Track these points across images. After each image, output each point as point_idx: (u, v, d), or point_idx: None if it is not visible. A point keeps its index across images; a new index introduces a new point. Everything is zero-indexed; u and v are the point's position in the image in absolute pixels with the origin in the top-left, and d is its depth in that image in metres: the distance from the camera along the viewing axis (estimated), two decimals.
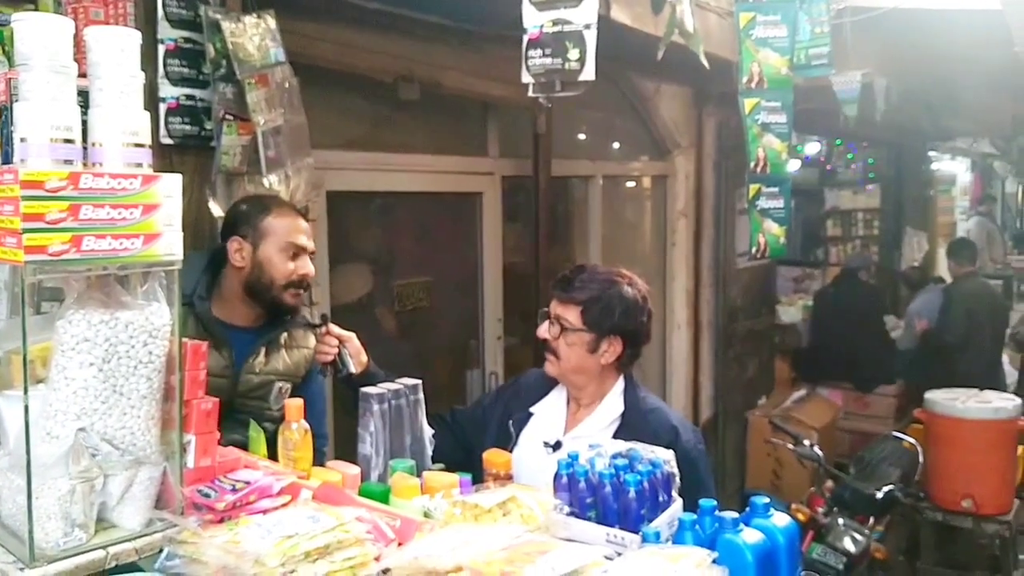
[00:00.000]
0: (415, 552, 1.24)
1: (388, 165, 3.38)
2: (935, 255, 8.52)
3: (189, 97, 2.26)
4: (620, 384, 2.11)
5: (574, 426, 2.09)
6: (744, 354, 5.56)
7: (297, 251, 2.05)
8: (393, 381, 1.92)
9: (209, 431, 1.46)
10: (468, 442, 2.13)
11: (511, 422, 2.12)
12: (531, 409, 2.14)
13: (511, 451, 2.04)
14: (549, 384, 2.17)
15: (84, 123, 1.30)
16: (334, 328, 2.11)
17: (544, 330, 2.08)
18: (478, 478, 1.70)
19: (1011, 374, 6.34)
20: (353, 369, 2.08)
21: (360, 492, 1.56)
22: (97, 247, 1.23)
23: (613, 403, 2.08)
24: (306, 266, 2.07)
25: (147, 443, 1.33)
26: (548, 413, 2.13)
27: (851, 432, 5.91)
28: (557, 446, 2.03)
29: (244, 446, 1.77)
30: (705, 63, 2.94)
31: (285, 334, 2.14)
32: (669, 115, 4.87)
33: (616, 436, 1.97)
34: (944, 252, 6.67)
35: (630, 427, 2.00)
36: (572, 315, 2.03)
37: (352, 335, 2.12)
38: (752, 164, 3.28)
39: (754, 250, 3.42)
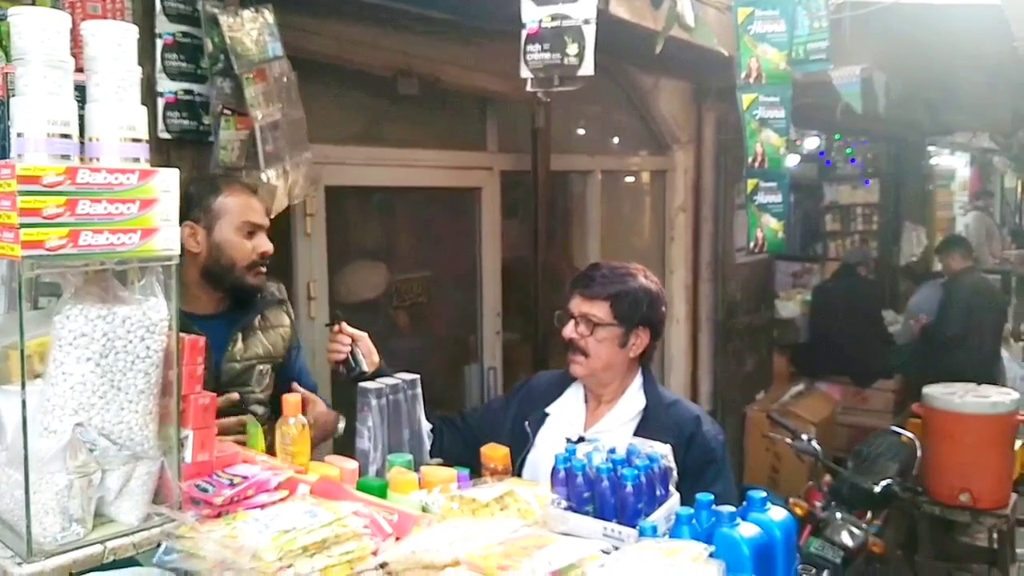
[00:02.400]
0: (412, 546, 1.24)
1: (387, 160, 3.37)
2: (934, 250, 8.52)
3: (187, 92, 2.26)
4: (639, 379, 2.11)
5: (595, 422, 2.08)
6: (742, 349, 5.56)
7: (253, 229, 2.03)
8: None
9: (207, 426, 1.46)
10: (479, 444, 2.12)
11: (527, 423, 2.11)
12: (547, 409, 2.13)
13: (528, 453, 2.04)
14: (562, 385, 2.16)
15: (81, 118, 1.30)
16: (346, 327, 2.09)
17: (571, 330, 2.06)
18: (469, 470, 1.70)
19: (1011, 368, 6.34)
20: (365, 368, 2.06)
21: (358, 487, 1.56)
22: (94, 242, 1.23)
23: (634, 398, 2.08)
24: (264, 243, 2.05)
25: (145, 438, 1.33)
26: (566, 412, 2.12)
27: (849, 426, 5.91)
28: (579, 442, 2.02)
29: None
30: (723, 50, 2.94)
31: (258, 316, 2.13)
32: (668, 110, 4.86)
33: (638, 430, 1.98)
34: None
35: (652, 421, 2.01)
36: (600, 311, 2.03)
37: (364, 334, 2.11)
38: (750, 159, 3.29)
39: (752, 244, 3.43)
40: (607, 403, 2.10)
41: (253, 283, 2.05)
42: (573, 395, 2.14)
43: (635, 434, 1.97)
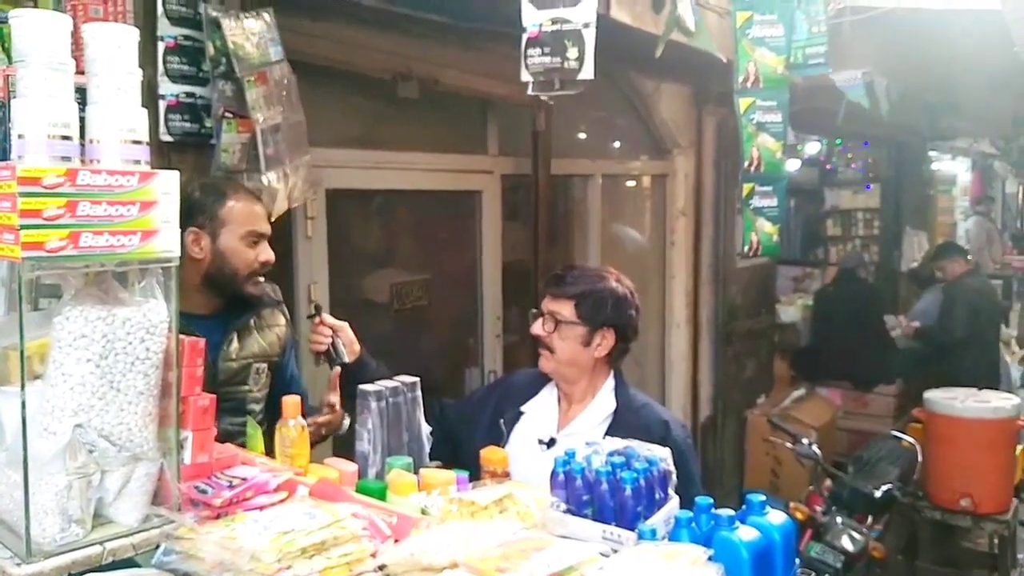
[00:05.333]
0: (411, 548, 1.24)
1: (387, 163, 3.38)
2: (930, 257, 8.52)
3: (189, 95, 2.27)
4: (611, 382, 2.14)
5: (567, 423, 2.11)
6: (743, 353, 5.56)
7: (257, 238, 2.02)
8: (386, 370, 1.92)
9: (206, 427, 1.46)
10: (456, 435, 2.15)
11: (502, 421, 2.14)
12: (522, 408, 2.16)
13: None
14: (539, 384, 2.19)
15: (82, 120, 1.30)
16: (327, 318, 2.11)
17: (538, 327, 2.11)
18: (469, 472, 1.70)
19: (1012, 373, 6.33)
20: (347, 359, 2.08)
21: (357, 489, 1.57)
22: (94, 243, 1.23)
23: (605, 400, 2.11)
24: (267, 252, 2.04)
25: (144, 439, 1.33)
26: (540, 411, 2.15)
27: (850, 431, 5.91)
28: (551, 443, 2.06)
29: (232, 436, 1.78)
30: (721, 56, 2.94)
31: (254, 316, 2.12)
32: (669, 114, 4.87)
33: (608, 432, 2.01)
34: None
35: (622, 423, 2.03)
36: (566, 310, 2.07)
37: (345, 324, 2.13)
38: (747, 163, 3.30)
39: (746, 248, 3.44)
40: (578, 403, 2.13)
41: (252, 292, 2.05)
42: (547, 395, 2.18)
43: (604, 437, 1.99)
